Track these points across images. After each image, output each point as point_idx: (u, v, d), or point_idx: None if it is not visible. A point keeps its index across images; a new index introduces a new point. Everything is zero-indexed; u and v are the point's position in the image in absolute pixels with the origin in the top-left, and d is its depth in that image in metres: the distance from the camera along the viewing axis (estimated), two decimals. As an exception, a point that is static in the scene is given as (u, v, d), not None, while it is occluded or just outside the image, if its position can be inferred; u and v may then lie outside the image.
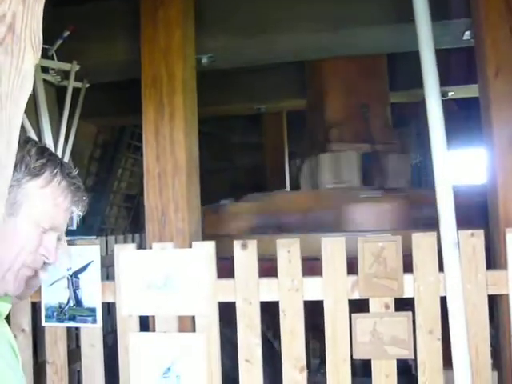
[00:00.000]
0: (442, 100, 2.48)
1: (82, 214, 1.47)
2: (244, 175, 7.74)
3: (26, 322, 2.70)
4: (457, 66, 4.20)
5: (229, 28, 3.20)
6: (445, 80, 4.09)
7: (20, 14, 1.03)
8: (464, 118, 6.07)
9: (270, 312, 2.45)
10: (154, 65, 2.73)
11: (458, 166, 7.53)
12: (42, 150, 1.31)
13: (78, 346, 2.73)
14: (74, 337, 3.65)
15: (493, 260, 2.44)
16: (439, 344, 2.25)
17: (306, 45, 3.37)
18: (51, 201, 1.30)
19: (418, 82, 2.58)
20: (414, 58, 2.52)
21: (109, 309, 3.59)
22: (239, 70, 4.47)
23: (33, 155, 1.27)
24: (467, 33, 3.17)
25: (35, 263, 1.33)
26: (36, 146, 1.31)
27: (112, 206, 7.09)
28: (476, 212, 2.81)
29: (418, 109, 5.42)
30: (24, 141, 1.26)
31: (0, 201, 1.03)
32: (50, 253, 1.34)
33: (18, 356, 1.28)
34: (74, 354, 3.12)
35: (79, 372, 2.79)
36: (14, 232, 1.25)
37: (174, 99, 2.71)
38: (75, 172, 1.42)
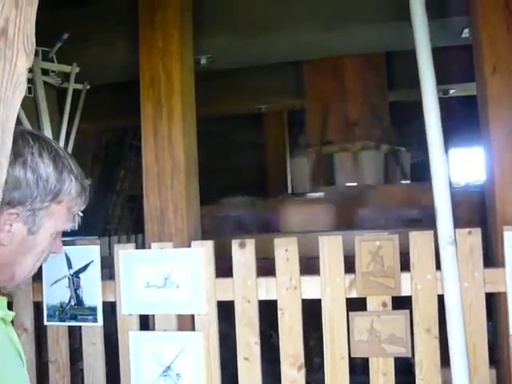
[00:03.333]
0: (443, 98, 2.48)
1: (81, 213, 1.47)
2: (245, 174, 7.75)
3: (28, 321, 2.72)
4: (458, 63, 4.19)
5: (227, 29, 3.21)
6: (446, 78, 4.09)
7: (13, 18, 1.04)
8: (467, 117, 6.06)
9: (271, 310, 2.47)
10: (152, 66, 2.75)
11: (460, 165, 7.52)
12: (55, 160, 1.26)
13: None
14: (77, 336, 3.66)
15: (490, 258, 2.45)
16: (437, 342, 2.26)
17: (304, 44, 3.37)
18: (66, 211, 1.30)
19: (417, 81, 2.59)
20: (414, 56, 2.53)
21: (112, 308, 3.60)
22: (240, 70, 4.48)
23: (52, 172, 1.24)
24: (466, 30, 3.18)
25: (45, 260, 1.37)
26: (50, 156, 1.25)
27: (115, 207, 7.11)
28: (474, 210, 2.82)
29: (420, 107, 5.41)
30: (39, 153, 1.22)
31: (-6, 200, 1.05)
32: (59, 250, 1.38)
33: (24, 361, 1.30)
34: (77, 353, 3.14)
35: (83, 370, 2.81)
36: (33, 247, 1.27)
37: (172, 100, 2.72)
38: (80, 169, 1.36)
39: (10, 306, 2.56)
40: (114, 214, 7.14)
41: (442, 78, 2.45)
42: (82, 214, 2.81)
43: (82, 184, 1.33)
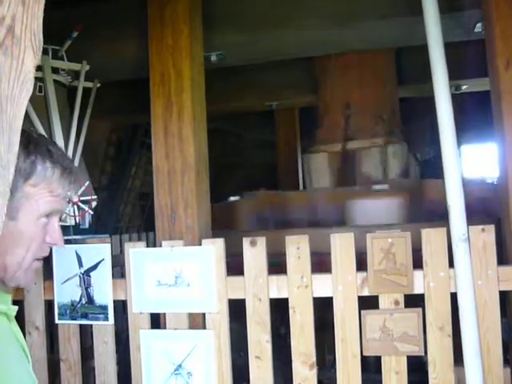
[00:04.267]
0: (455, 94, 2.45)
1: (75, 194, 1.45)
2: (256, 172, 7.73)
3: (39, 319, 2.73)
4: (471, 58, 4.15)
5: (238, 25, 3.19)
6: (458, 73, 4.05)
7: (20, 15, 1.03)
8: (479, 112, 6.00)
9: (283, 308, 2.45)
10: (162, 63, 2.74)
11: (472, 162, 7.45)
12: (27, 143, 1.27)
13: (93, 343, 2.75)
14: (88, 334, 3.67)
15: (504, 255, 2.41)
16: (450, 340, 2.23)
17: (315, 40, 3.34)
18: (48, 193, 1.29)
19: (427, 76, 2.56)
20: (423, 51, 2.50)
21: (124, 307, 3.61)
22: (251, 67, 4.46)
23: (20, 154, 1.25)
24: (478, 25, 3.13)
25: (43, 253, 1.35)
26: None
27: (126, 204, 7.11)
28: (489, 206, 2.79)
29: (432, 103, 5.36)
30: None
31: (2, 200, 1.04)
32: (56, 239, 1.35)
33: (29, 356, 1.29)
34: (90, 351, 3.15)
35: (94, 369, 2.82)
36: (19, 233, 1.26)
37: (182, 97, 2.72)
38: (64, 154, 1.39)
39: (21, 305, 2.57)
40: (126, 212, 7.14)
41: (454, 74, 2.42)
42: (92, 212, 2.81)
43: (63, 166, 1.32)
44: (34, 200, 1.27)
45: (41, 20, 1.07)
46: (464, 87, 4.92)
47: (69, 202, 1.45)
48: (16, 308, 1.30)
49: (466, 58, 4.08)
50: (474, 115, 6.25)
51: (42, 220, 1.30)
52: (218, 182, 3.02)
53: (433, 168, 5.65)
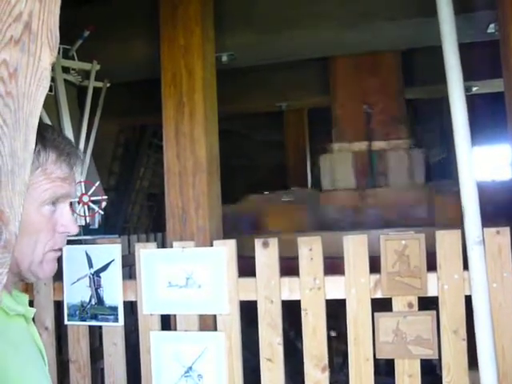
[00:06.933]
0: (466, 95, 2.42)
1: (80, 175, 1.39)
2: (265, 173, 7.72)
3: (49, 320, 2.72)
4: (481, 59, 4.12)
5: (249, 26, 3.18)
6: (469, 75, 4.03)
7: (37, 11, 1.02)
8: (489, 114, 5.97)
9: (292, 311, 2.43)
10: (174, 63, 2.72)
11: (487, 163, 7.41)
12: None
13: (102, 344, 2.73)
14: (97, 335, 3.66)
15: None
16: (464, 344, 2.21)
17: (326, 41, 3.33)
18: (47, 180, 1.22)
19: (437, 78, 2.52)
20: (434, 52, 2.47)
21: (132, 308, 3.60)
22: (261, 67, 4.45)
23: None
24: (491, 25, 3.12)
25: (58, 243, 1.27)
26: None
27: (134, 205, 7.11)
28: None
29: (443, 105, 5.34)
30: None
31: (19, 199, 1.03)
32: (68, 226, 1.27)
33: (45, 359, 1.26)
34: (98, 352, 3.14)
35: (103, 370, 2.80)
36: (24, 225, 1.20)
37: (194, 97, 2.70)
38: (60, 136, 1.31)
39: (31, 305, 2.56)
40: (134, 213, 7.15)
41: (464, 75, 2.40)
42: (102, 213, 2.79)
43: (59, 149, 1.25)
44: (33, 189, 1.19)
45: (57, 17, 1.05)
46: (474, 89, 4.89)
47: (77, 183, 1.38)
48: (34, 310, 1.25)
49: (477, 59, 4.05)
50: (485, 117, 6.22)
51: (46, 208, 1.23)
52: (227, 183, 3.00)
53: (442, 170, 5.63)
